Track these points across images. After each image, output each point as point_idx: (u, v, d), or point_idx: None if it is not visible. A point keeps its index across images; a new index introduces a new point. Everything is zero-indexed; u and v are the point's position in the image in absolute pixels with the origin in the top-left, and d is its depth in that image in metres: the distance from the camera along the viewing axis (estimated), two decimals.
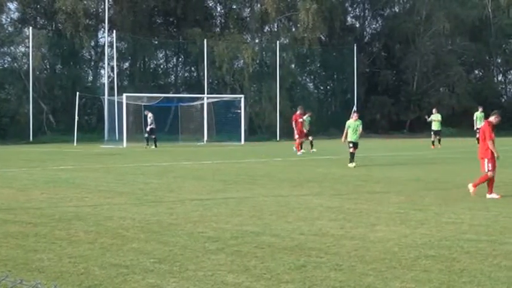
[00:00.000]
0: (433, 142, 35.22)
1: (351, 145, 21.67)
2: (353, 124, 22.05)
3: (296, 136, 30.68)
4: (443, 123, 37.64)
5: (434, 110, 36.64)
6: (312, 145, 31.95)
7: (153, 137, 37.65)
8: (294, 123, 31.03)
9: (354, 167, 21.00)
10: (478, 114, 36.98)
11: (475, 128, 36.50)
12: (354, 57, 59.56)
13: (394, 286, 6.36)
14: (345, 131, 22.03)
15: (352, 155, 21.60)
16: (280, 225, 9.81)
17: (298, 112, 31.45)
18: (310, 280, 6.55)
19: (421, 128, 54.58)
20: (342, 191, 14.66)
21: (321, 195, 13.72)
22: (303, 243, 8.40)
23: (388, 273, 6.82)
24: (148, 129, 37.88)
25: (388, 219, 10.29)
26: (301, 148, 30.78)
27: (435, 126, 35.72)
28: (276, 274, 6.80)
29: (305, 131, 31.38)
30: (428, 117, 36.95)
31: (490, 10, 67.90)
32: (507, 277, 6.68)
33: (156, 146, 37.26)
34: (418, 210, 11.30)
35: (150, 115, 37.74)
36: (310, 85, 69.09)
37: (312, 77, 69.03)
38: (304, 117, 31.87)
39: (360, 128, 22.17)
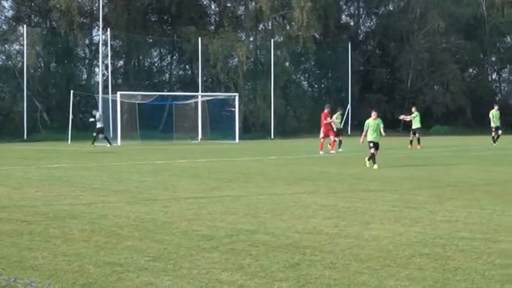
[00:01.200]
0: (411, 141, 33.97)
1: (371, 145, 20.76)
2: (372, 123, 21.06)
3: (321, 135, 29.33)
4: (424, 121, 36.09)
5: (413, 109, 35.12)
6: (339, 144, 31.03)
7: (103, 136, 37.49)
8: (324, 121, 29.42)
9: (375, 168, 19.98)
10: (494, 112, 35.96)
11: (493, 126, 35.80)
12: (349, 55, 59.58)
13: (388, 284, 6.36)
14: (364, 131, 21.09)
15: (373, 155, 20.70)
16: (275, 223, 9.81)
17: (326, 110, 29.71)
18: (304, 278, 6.55)
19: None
20: (337, 189, 14.66)
21: (316, 193, 13.72)
22: (297, 241, 8.40)
23: (383, 272, 6.83)
24: (97, 127, 37.71)
25: (382, 218, 10.30)
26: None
27: (415, 124, 34.14)
28: (270, 272, 6.80)
29: (335, 129, 30.10)
30: (407, 116, 35.48)
31: (484, 8, 68.01)
32: (501, 275, 6.69)
33: (110, 144, 36.99)
34: (412, 209, 11.31)
35: (97, 114, 37.80)
36: (305, 83, 69.08)
37: (307, 75, 69.05)
38: (335, 115, 30.99)
39: (381, 127, 21.13)
